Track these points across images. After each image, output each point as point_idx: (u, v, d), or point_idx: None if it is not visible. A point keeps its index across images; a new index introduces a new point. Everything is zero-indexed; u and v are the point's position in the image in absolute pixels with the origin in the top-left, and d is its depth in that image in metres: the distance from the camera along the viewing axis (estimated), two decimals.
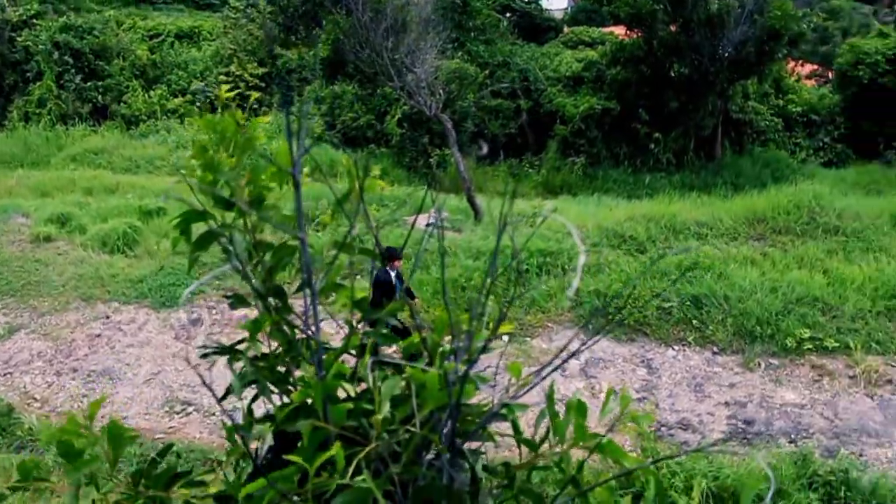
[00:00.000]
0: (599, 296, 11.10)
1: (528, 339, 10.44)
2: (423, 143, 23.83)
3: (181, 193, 1.73)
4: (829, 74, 32.28)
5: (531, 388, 1.85)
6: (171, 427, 9.16)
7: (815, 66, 36.58)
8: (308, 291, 1.76)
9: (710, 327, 10.70)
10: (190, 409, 9.49)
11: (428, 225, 15.26)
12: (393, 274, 9.50)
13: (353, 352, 1.88)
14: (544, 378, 1.97)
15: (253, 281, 1.86)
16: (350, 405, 1.65)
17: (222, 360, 1.86)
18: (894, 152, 25.67)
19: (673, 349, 10.39)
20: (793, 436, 8.89)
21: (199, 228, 1.81)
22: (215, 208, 1.83)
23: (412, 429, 1.67)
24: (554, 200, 19.08)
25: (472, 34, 26.76)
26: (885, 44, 26.49)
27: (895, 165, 24.73)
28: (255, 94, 2.36)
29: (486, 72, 25.19)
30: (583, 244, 12.33)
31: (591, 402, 5.76)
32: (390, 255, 9.54)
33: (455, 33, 25.29)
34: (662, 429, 9.07)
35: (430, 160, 23.45)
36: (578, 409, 1.70)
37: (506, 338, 9.46)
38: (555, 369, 1.80)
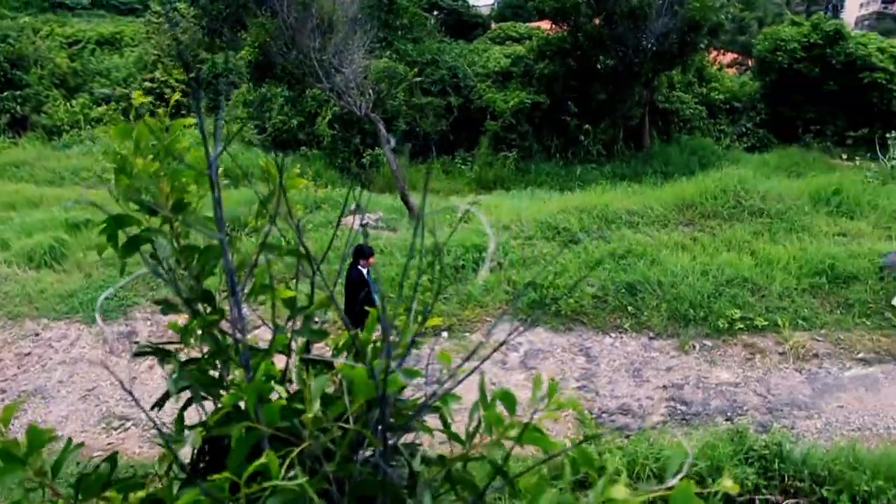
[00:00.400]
0: (536, 288, 11.22)
1: (468, 333, 10.49)
2: (355, 143, 23.72)
3: (96, 201, 1.70)
4: (749, 62, 33.27)
5: (463, 379, 1.88)
6: (109, 443, 8.93)
7: (736, 55, 37.66)
8: (232, 293, 1.75)
9: (646, 313, 10.92)
10: (128, 423, 9.26)
11: (362, 225, 15.22)
12: (365, 272, 9.27)
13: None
14: (474, 370, 1.99)
15: (180, 286, 1.84)
16: (282, 403, 1.64)
17: (159, 371, 1.85)
18: (812, 135, 26.62)
19: (610, 336, 10.57)
20: (729, 414, 9.12)
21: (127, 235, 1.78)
22: (139, 214, 1.81)
23: (345, 425, 1.69)
24: (487, 195, 19.20)
25: (400, 33, 26.73)
26: (798, 31, 27.41)
27: (813, 148, 25.64)
28: (176, 96, 2.32)
29: (415, 70, 25.19)
30: (494, 234, 12.48)
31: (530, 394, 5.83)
32: (361, 252, 9.31)
33: (382, 32, 25.23)
34: (604, 415, 9.21)
35: (363, 160, 23.36)
36: (505, 399, 1.72)
37: (445, 333, 9.51)
38: (483, 361, 1.83)
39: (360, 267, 9.27)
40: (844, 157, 23.21)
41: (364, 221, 15.10)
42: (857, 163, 18.84)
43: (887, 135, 17.69)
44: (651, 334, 10.70)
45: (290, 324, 1.91)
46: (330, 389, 1.78)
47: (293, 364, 1.90)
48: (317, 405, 1.65)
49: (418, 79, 25.20)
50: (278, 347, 1.84)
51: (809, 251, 12.17)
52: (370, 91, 17.40)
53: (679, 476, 1.34)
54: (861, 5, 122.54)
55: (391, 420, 1.77)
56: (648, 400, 9.46)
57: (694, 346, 10.42)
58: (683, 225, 13.59)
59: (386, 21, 25.94)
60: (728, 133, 27.25)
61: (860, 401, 9.34)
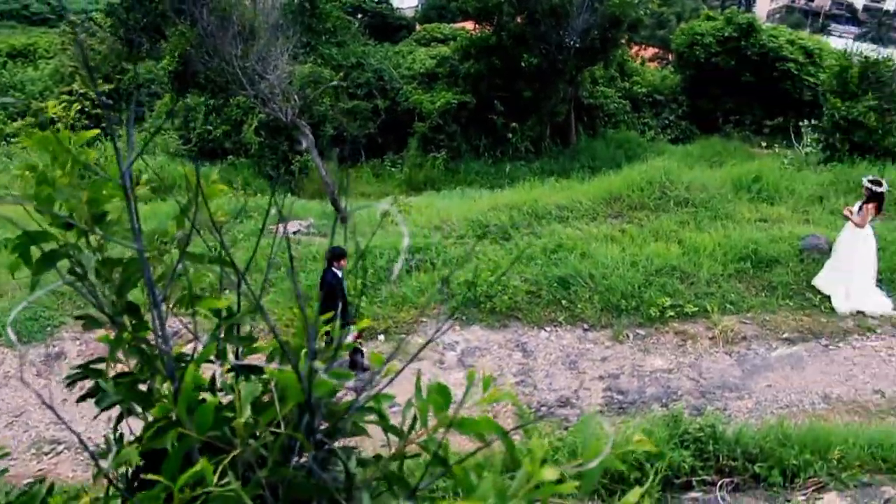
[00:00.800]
0: (470, 286, 11.28)
1: (404, 335, 10.48)
2: (282, 150, 23.44)
3: (13, 217, 1.64)
4: (669, 56, 34.08)
5: (394, 378, 1.87)
6: (40, 469, 8.63)
7: (656, 50, 38.53)
8: (153, 305, 1.72)
9: (579, 305, 11.07)
10: (60, 447, 8.97)
11: (295, 232, 15.06)
12: (340, 274, 9.23)
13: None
14: (403, 368, 2.00)
15: (102, 301, 1.79)
16: (212, 406, 1.63)
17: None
18: (732, 125, 27.42)
19: (545, 330, 10.69)
20: (664, 400, 9.33)
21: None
22: (54, 228, 1.75)
23: (275, 430, 1.68)
24: (418, 196, 19.20)
25: (324, 37, 26.57)
26: (713, 26, 28.17)
27: (734, 137, 26.40)
28: (79, 105, 2.25)
29: (341, 74, 25.05)
30: (407, 232, 12.50)
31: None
32: (336, 254, 9.22)
33: (306, 37, 25.03)
34: (543, 408, 9.32)
35: (292, 167, 23.10)
36: (440, 392, 1.73)
37: (381, 336, 9.47)
38: (411, 359, 1.84)
39: (334, 269, 9.20)
40: (763, 145, 23.96)
41: (295, 229, 14.96)
42: (775, 150, 19.47)
43: (800, 123, 18.31)
44: (585, 326, 10.86)
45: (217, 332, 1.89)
46: (266, 397, 1.78)
47: (222, 373, 1.88)
48: (248, 411, 1.63)
49: (344, 83, 25.08)
50: (207, 356, 1.82)
51: (733, 237, 12.52)
52: (295, 97, 17.23)
53: (599, 457, 1.37)
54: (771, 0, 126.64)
55: (324, 423, 1.77)
56: (586, 391, 9.61)
57: (628, 336, 10.62)
58: (612, 217, 13.83)
59: (309, 26, 25.74)
60: (652, 126, 27.86)
61: (787, 379, 9.66)
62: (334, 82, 23.69)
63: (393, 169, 24.43)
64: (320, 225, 15.27)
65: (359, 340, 9.29)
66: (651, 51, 37.52)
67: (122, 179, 1.61)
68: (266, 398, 1.78)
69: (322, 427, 1.78)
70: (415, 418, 1.78)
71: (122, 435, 1.81)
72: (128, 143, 1.64)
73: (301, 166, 22.81)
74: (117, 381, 1.81)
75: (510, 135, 24.45)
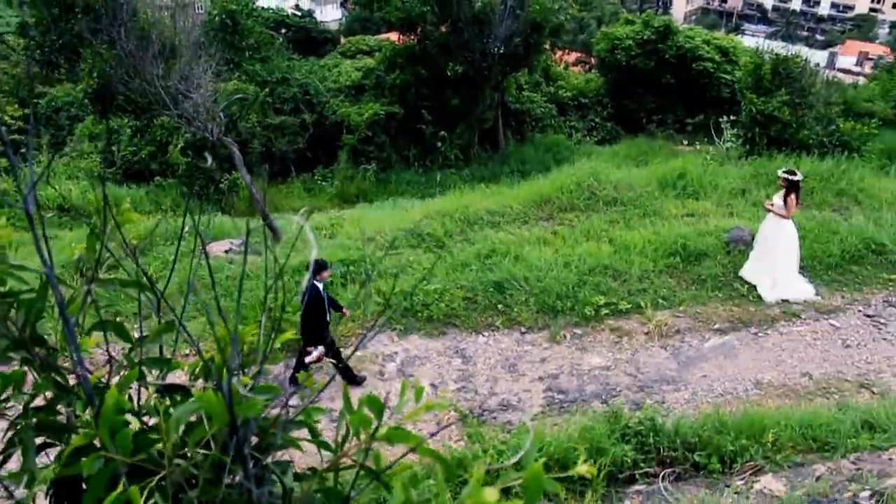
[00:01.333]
0: (406, 296, 11.24)
1: (342, 349, 10.37)
2: (211, 169, 23.04)
3: None
4: (592, 60, 34.75)
5: (323, 390, 1.85)
6: None
7: (579, 54, 39.24)
8: (67, 332, 1.66)
9: (515, 309, 11.14)
10: None
11: (227, 251, 14.79)
12: (320, 286, 9.14)
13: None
14: (330, 381, 1.98)
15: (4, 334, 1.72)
16: (131, 432, 1.59)
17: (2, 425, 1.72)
18: (655, 125, 28.09)
19: (483, 336, 10.72)
20: (603, 396, 9.44)
21: None
22: None
23: (205, 451, 1.64)
24: (350, 209, 19.10)
25: (248, 53, 26.25)
26: (632, 30, 28.87)
27: (657, 137, 27.03)
28: None
29: (267, 90, 24.80)
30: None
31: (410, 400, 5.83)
32: (319, 266, 9.17)
33: (229, 54, 24.72)
34: (485, 413, 9.34)
35: (221, 186, 22.72)
36: (371, 403, 1.71)
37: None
38: (334, 377, 1.82)
39: (316, 282, 9.10)
40: (686, 142, 24.59)
41: (227, 248, 14.71)
42: (697, 147, 19.98)
43: (720, 120, 18.84)
44: (523, 329, 10.93)
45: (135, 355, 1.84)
46: (194, 417, 1.75)
47: (147, 394, 1.83)
48: (175, 432, 1.60)
49: (270, 98, 24.83)
50: (131, 380, 1.77)
51: (662, 234, 12.78)
52: (220, 115, 16.96)
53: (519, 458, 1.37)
54: (687, 2, 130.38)
55: (255, 439, 1.74)
56: (527, 393, 9.66)
57: (565, 336, 10.72)
58: (543, 220, 13.97)
59: (232, 43, 25.42)
60: (579, 128, 28.34)
61: (720, 368, 9.90)
62: (260, 98, 23.47)
63: (324, 183, 24.26)
64: (253, 242, 15.03)
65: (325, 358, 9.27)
66: (574, 55, 38.20)
67: (24, 205, 1.55)
68: (194, 417, 1.76)
69: (255, 443, 1.75)
70: (348, 430, 1.76)
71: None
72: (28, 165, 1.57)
73: (231, 184, 22.45)
74: (27, 417, 1.75)
75: (439, 143, 24.54)
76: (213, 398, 1.59)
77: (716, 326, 10.82)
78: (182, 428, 1.63)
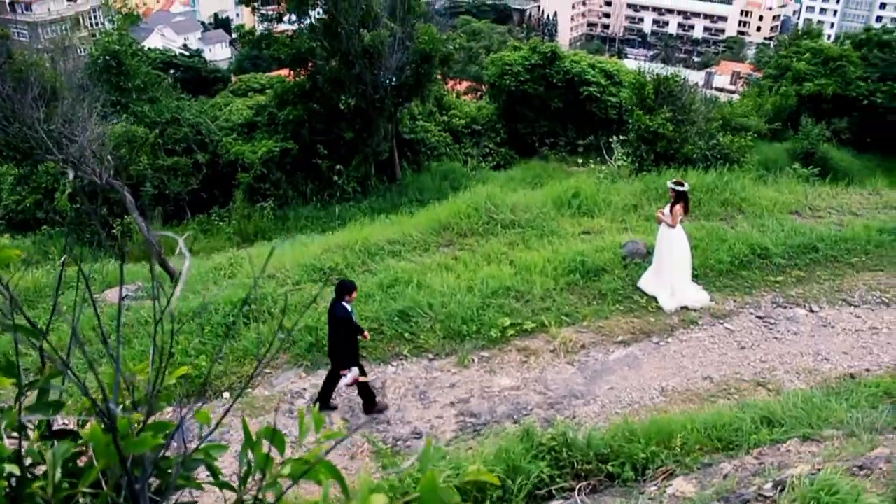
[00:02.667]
0: (311, 331, 11.02)
1: (249, 389, 10.08)
2: (102, 214, 22.21)
3: None
4: (483, 88, 35.44)
5: (214, 429, 1.75)
6: None
7: (470, 83, 39.95)
8: None
9: (422, 336, 11.08)
10: None
11: (124, 297, 14.21)
12: (349, 308, 9.12)
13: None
14: (224, 416, 1.89)
15: None
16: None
17: None
18: (548, 148, 28.77)
19: (392, 365, 10.61)
20: (515, 417, 9.46)
21: None
22: None
23: (88, 490, 1.57)
24: (250, 248, 18.71)
25: (135, 94, 25.56)
26: (520, 55, 29.61)
27: (551, 159, 27.68)
28: None
29: (157, 131, 24.15)
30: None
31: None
32: (347, 288, 9.16)
33: (115, 96, 24.05)
34: (399, 443, 9.22)
35: (114, 231, 21.90)
36: (273, 438, 1.67)
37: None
38: (227, 410, 1.73)
39: (344, 304, 9.05)
40: (579, 162, 25.23)
41: (123, 294, 14.14)
42: (590, 167, 20.52)
43: (610, 139, 19.44)
44: (430, 356, 10.87)
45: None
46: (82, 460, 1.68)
47: (31, 441, 1.74)
48: (57, 474, 1.54)
49: (160, 139, 24.20)
50: (11, 426, 1.68)
51: (561, 252, 12.99)
52: (109, 158, 16.38)
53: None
54: (571, 29, 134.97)
55: (153, 479, 1.68)
56: (439, 419, 9.60)
57: (473, 360, 10.71)
58: (444, 246, 14.00)
59: (117, 84, 24.75)
60: (474, 155, 28.72)
61: (626, 379, 10.09)
62: (150, 139, 22.84)
63: (221, 223, 23.70)
64: (149, 287, 14.52)
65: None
66: (465, 84, 38.87)
67: None
68: (83, 461, 1.67)
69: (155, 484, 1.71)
70: (249, 465, 1.70)
71: None
72: None
73: (124, 229, 21.65)
74: None
75: (336, 177, 24.40)
76: (99, 434, 1.53)
77: (619, 339, 11.04)
78: (62, 469, 1.57)
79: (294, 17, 24.11)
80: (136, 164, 22.21)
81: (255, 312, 11.70)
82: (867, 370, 9.98)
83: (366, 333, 9.83)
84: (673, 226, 11.53)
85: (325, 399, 9.57)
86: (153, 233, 16.06)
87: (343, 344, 9.18)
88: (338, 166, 24.45)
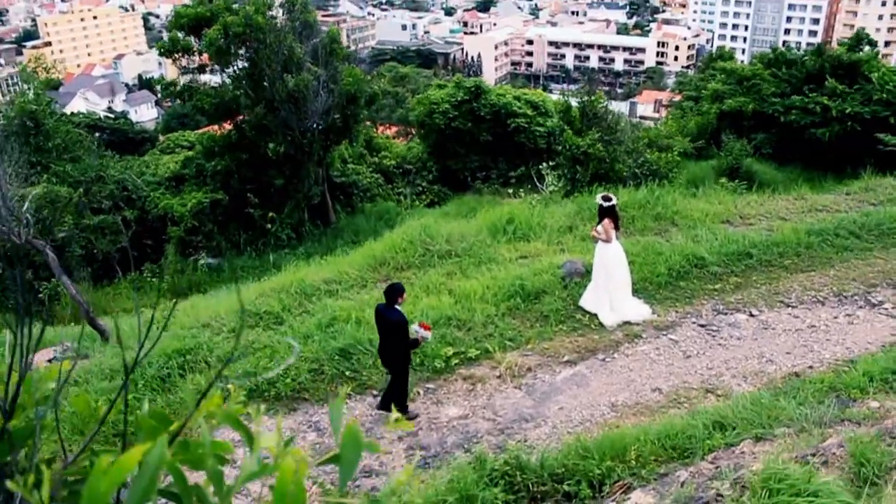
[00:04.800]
0: (248, 375, 10.61)
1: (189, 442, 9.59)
2: (27, 279, 21.28)
3: None
4: (412, 131, 35.52)
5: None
6: None
7: (399, 127, 40.10)
8: None
9: (364, 373, 10.77)
10: None
11: (51, 360, 13.56)
12: (401, 310, 9.18)
13: None
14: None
15: None
16: None
17: None
18: (480, 182, 28.82)
19: None
20: (466, 445, 9.20)
21: None
22: None
23: None
24: (184, 302, 18.13)
25: (55, 154, 24.85)
26: (446, 93, 29.74)
27: (484, 193, 27.70)
28: None
29: (81, 190, 23.43)
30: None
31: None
32: (397, 291, 9.17)
33: (35, 157, 23.34)
34: (348, 483, 8.83)
35: (40, 295, 21.00)
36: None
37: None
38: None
39: (397, 307, 9.10)
40: (511, 192, 25.31)
41: (50, 356, 13.53)
42: (523, 196, 20.55)
43: (540, 167, 19.55)
44: (374, 392, 10.55)
45: None
46: None
47: None
48: None
49: (85, 199, 23.47)
50: None
51: (500, 278, 12.86)
52: (28, 217, 15.74)
53: None
54: (496, 69, 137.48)
55: None
56: (388, 455, 9.27)
57: (418, 392, 10.44)
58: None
59: (37, 145, 24.02)
60: (407, 194, 28.59)
61: (575, 398, 9.93)
62: (73, 199, 22.12)
63: (154, 279, 22.98)
64: (79, 347, 13.88)
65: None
66: (394, 128, 38.99)
67: None
68: None
69: None
70: None
71: None
72: None
73: (51, 292, 20.77)
74: None
75: (269, 225, 23.99)
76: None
77: (565, 359, 10.90)
78: None
79: (216, 68, 23.83)
80: (60, 224, 21.44)
81: (190, 363, 11.22)
82: (810, 367, 10.03)
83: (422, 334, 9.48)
84: (607, 241, 11.52)
85: (400, 405, 9.51)
86: (81, 293, 15.41)
87: (400, 348, 9.17)
88: (270, 214, 24.05)
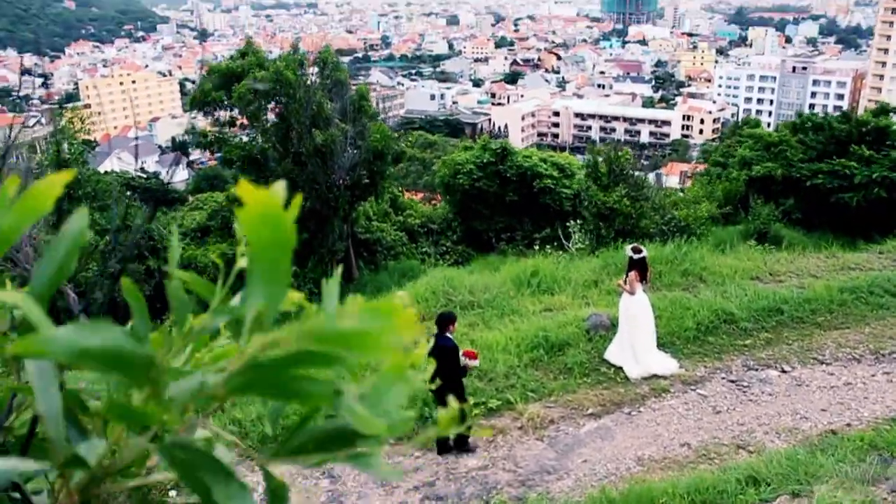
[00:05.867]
0: (262, 419, 10.36)
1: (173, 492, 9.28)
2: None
3: None
4: (438, 197, 35.67)
5: None
6: None
7: (424, 192, 40.35)
8: None
9: None
10: None
11: None
12: (452, 338, 9.21)
13: None
14: None
15: None
16: None
17: None
18: (505, 243, 28.70)
19: None
20: (484, 497, 8.84)
21: None
22: None
23: None
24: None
25: (84, 202, 25.15)
26: (472, 154, 29.93)
27: (509, 253, 27.53)
28: None
29: (107, 237, 23.60)
30: None
31: None
32: (449, 319, 9.29)
33: (66, 205, 23.59)
34: None
35: None
36: None
37: (173, 492, 8.43)
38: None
39: (448, 335, 9.14)
40: (536, 252, 25.14)
41: None
42: (548, 253, 20.35)
43: (567, 224, 19.40)
44: (391, 441, 10.18)
45: None
46: None
47: None
48: None
49: (112, 246, 23.61)
50: None
51: (523, 330, 12.58)
52: None
53: None
54: (522, 140, 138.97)
55: None
56: None
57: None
58: None
59: (68, 193, 24.29)
60: (431, 253, 28.53)
61: (600, 451, 9.53)
62: (99, 246, 22.23)
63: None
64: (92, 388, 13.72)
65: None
66: (420, 194, 39.24)
67: None
68: None
69: None
70: None
71: None
72: None
73: None
74: None
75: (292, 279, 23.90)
76: None
77: (589, 411, 10.53)
78: None
79: (245, 123, 24.20)
80: (84, 270, 21.54)
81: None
82: (848, 425, 9.58)
83: (470, 362, 9.54)
84: (632, 293, 11.25)
85: (458, 441, 9.59)
86: None
87: (452, 376, 9.03)
88: (294, 267, 23.99)
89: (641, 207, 16.50)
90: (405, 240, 28.39)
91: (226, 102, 23.77)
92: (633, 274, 11.24)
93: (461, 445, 9.68)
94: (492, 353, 11.95)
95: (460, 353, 9.26)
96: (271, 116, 23.32)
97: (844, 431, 9.30)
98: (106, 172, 41.36)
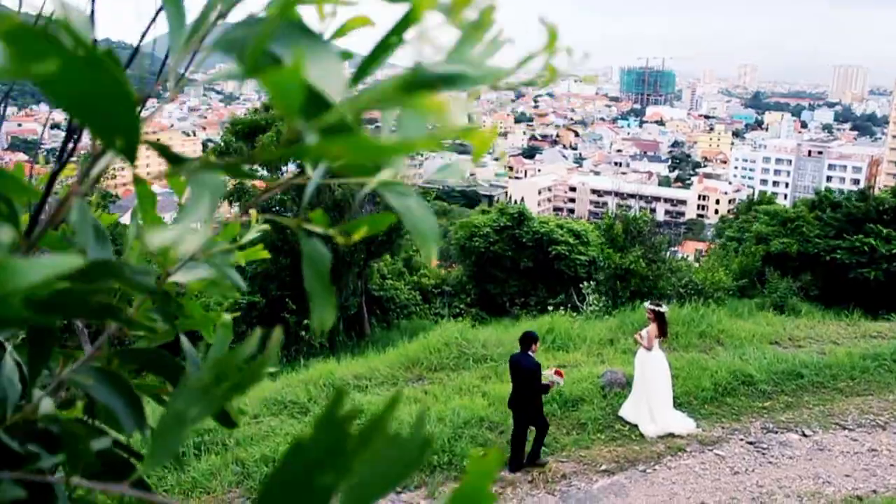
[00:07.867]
0: (267, 461, 10.09)
1: None
2: (55, 350, 21.15)
3: None
4: (453, 265, 35.65)
5: None
6: None
7: (440, 261, 40.34)
8: None
9: None
10: None
11: None
12: (534, 357, 9.45)
13: None
14: None
15: None
16: None
17: None
18: (518, 307, 28.50)
19: None
20: None
21: None
22: None
23: None
24: None
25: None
26: (489, 218, 30.05)
27: (522, 318, 27.30)
28: None
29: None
30: None
31: None
32: (532, 338, 9.49)
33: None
34: None
35: None
36: None
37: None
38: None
39: (531, 353, 9.40)
40: (550, 312, 24.91)
41: None
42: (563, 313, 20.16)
43: (581, 285, 19.24)
44: (398, 489, 9.91)
45: None
46: None
47: None
48: None
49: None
50: None
51: None
52: None
53: None
54: (537, 214, 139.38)
55: None
56: None
57: (443, 492, 9.77)
58: (413, 381, 13.29)
59: None
60: (444, 315, 28.31)
61: None
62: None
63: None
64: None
65: None
66: (435, 262, 39.22)
67: None
68: None
69: None
70: None
71: None
72: None
73: None
74: None
75: (303, 332, 23.74)
76: None
77: (602, 468, 10.20)
78: None
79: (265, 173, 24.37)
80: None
81: (207, 444, 10.73)
82: (874, 492, 9.21)
83: (555, 379, 9.87)
84: (648, 348, 11.03)
85: (525, 458, 9.78)
86: None
87: (531, 396, 9.32)
88: (305, 321, 23.83)
89: (658, 269, 16.38)
90: (419, 299, 28.27)
91: (247, 154, 23.95)
92: (654, 327, 11.04)
93: (533, 460, 9.85)
94: (504, 406, 11.67)
95: (545, 371, 9.56)
96: (292, 167, 23.47)
97: (871, 498, 8.94)
98: (126, 226, 41.71)
